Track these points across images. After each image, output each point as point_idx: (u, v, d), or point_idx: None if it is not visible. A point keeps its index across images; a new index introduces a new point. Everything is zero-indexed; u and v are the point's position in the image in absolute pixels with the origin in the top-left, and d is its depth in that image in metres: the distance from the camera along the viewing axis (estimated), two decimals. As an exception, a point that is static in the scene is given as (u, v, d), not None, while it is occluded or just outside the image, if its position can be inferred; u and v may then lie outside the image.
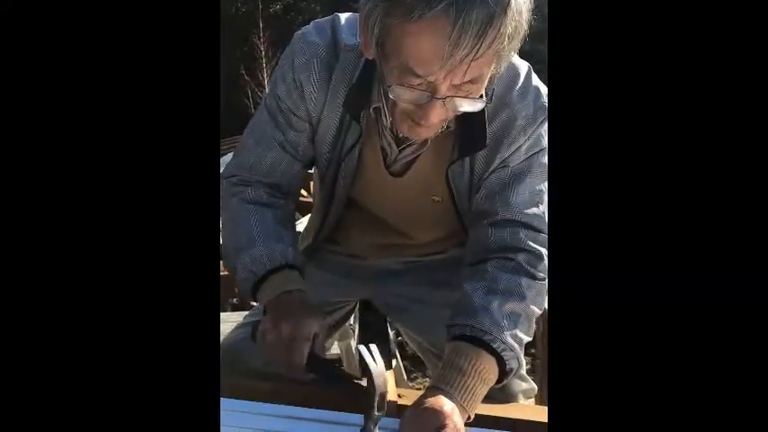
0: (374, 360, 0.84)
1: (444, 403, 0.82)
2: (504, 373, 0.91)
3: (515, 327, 0.92)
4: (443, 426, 0.79)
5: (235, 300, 3.32)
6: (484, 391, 0.89)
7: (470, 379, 0.87)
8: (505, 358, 0.90)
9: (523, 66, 1.01)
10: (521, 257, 0.98)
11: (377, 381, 0.82)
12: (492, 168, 1.01)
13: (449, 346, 0.93)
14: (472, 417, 0.87)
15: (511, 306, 0.93)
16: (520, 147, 1.00)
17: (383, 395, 0.83)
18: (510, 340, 0.90)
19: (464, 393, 0.86)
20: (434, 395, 0.85)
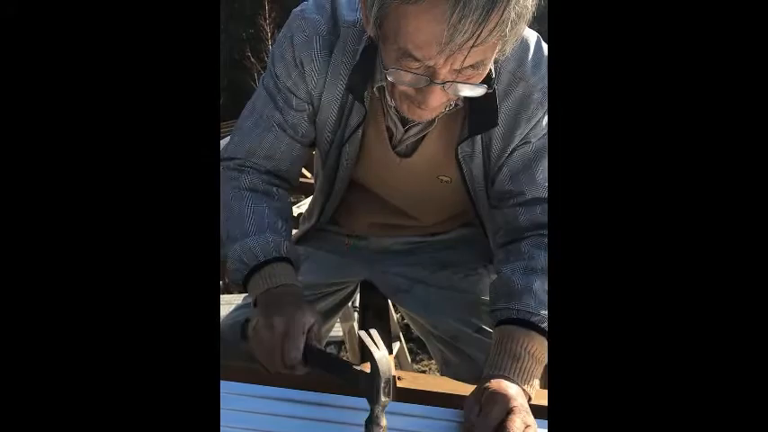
0: (376, 345, 0.81)
1: (509, 386, 0.80)
2: None
3: None
4: (512, 408, 0.77)
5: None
6: (540, 371, 0.87)
7: (525, 362, 0.85)
8: None
9: (532, 36, 0.96)
10: None
11: (381, 366, 0.78)
12: (513, 146, 0.98)
13: (496, 332, 0.91)
14: (533, 397, 0.84)
15: None
16: (539, 121, 0.97)
17: (389, 380, 0.79)
18: None
19: (522, 376, 0.84)
20: (495, 380, 0.82)
